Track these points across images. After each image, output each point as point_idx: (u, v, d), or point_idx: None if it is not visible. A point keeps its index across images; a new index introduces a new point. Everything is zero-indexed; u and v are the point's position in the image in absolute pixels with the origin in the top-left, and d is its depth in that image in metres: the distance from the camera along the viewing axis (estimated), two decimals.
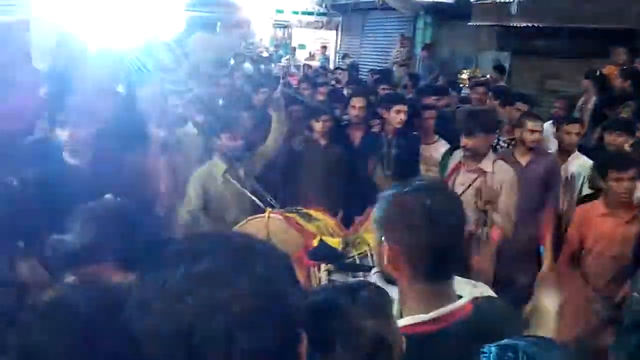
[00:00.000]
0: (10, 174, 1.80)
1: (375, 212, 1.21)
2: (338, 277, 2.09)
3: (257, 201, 2.98)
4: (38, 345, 0.80)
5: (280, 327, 0.68)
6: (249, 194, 3.09)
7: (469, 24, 8.21)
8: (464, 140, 3.11)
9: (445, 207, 1.14)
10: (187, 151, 3.55)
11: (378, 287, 1.23)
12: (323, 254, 2.23)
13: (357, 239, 2.32)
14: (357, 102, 4.12)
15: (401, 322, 1.15)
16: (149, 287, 0.68)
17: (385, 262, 1.17)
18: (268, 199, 3.11)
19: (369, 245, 2.20)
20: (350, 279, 1.99)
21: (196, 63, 6.17)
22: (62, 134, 2.53)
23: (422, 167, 3.93)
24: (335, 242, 2.31)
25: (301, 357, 0.74)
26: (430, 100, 4.49)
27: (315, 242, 2.31)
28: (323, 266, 2.17)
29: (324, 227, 2.60)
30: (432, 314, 1.13)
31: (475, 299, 1.21)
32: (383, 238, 1.17)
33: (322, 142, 3.95)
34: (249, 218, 2.64)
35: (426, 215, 1.12)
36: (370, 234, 2.17)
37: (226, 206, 3.22)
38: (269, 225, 2.46)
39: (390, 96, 4.39)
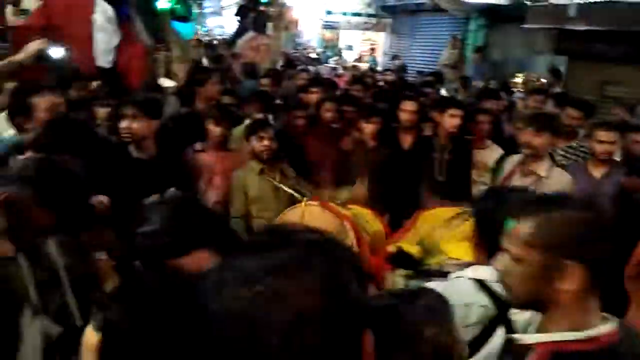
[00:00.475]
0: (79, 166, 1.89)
1: (533, 231, 1.15)
2: (415, 283, 2.07)
3: (295, 194, 3.00)
4: (115, 323, 0.85)
5: (341, 324, 0.69)
6: (285, 188, 3.13)
7: (524, 26, 8.00)
8: (530, 138, 3.04)
9: (607, 222, 1.19)
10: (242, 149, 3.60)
11: (439, 294, 1.22)
12: (400, 259, 2.24)
13: (434, 248, 2.29)
14: (409, 105, 4.06)
15: (544, 337, 1.14)
16: (225, 272, 0.72)
17: (557, 279, 1.12)
18: (307, 193, 3.13)
19: (446, 255, 2.15)
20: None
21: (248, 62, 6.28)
22: (126, 127, 2.63)
23: (473, 173, 3.86)
24: (413, 249, 2.30)
25: (367, 355, 0.75)
26: (488, 103, 4.39)
27: (393, 249, 2.31)
28: (399, 271, 2.17)
29: (358, 214, 2.62)
30: (588, 333, 1.10)
31: (622, 322, 1.17)
32: (552, 256, 1.12)
33: (371, 143, 3.94)
34: (287, 209, 2.65)
35: (607, 230, 1.14)
36: (449, 245, 2.13)
37: (266, 203, 3.28)
38: (305, 213, 2.46)
39: (445, 99, 4.32)
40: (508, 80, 8.54)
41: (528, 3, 7.82)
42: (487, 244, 1.51)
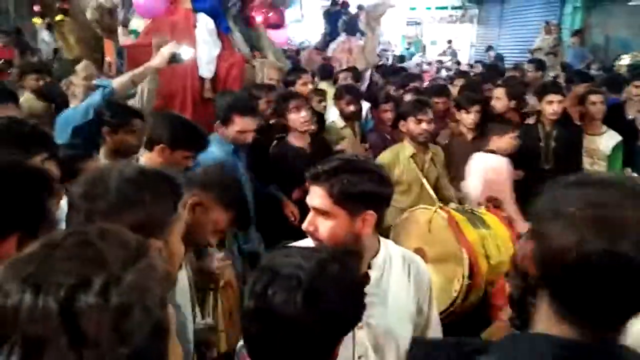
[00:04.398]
0: None
1: None
2: None
3: (430, 191, 2.93)
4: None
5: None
6: (425, 182, 3.04)
7: (629, 4, 7.42)
8: None
9: None
10: None
11: None
12: None
13: None
14: (501, 93, 3.92)
15: None
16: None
17: None
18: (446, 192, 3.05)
19: None
20: None
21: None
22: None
23: (585, 160, 3.65)
24: None
25: None
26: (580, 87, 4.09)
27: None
28: None
29: (490, 236, 2.40)
30: None
31: None
32: None
33: (470, 135, 3.83)
34: (420, 206, 2.56)
35: None
36: None
37: (406, 188, 3.17)
38: (432, 219, 2.39)
39: (544, 86, 4.11)
40: (612, 63, 7.96)
41: None
42: None
